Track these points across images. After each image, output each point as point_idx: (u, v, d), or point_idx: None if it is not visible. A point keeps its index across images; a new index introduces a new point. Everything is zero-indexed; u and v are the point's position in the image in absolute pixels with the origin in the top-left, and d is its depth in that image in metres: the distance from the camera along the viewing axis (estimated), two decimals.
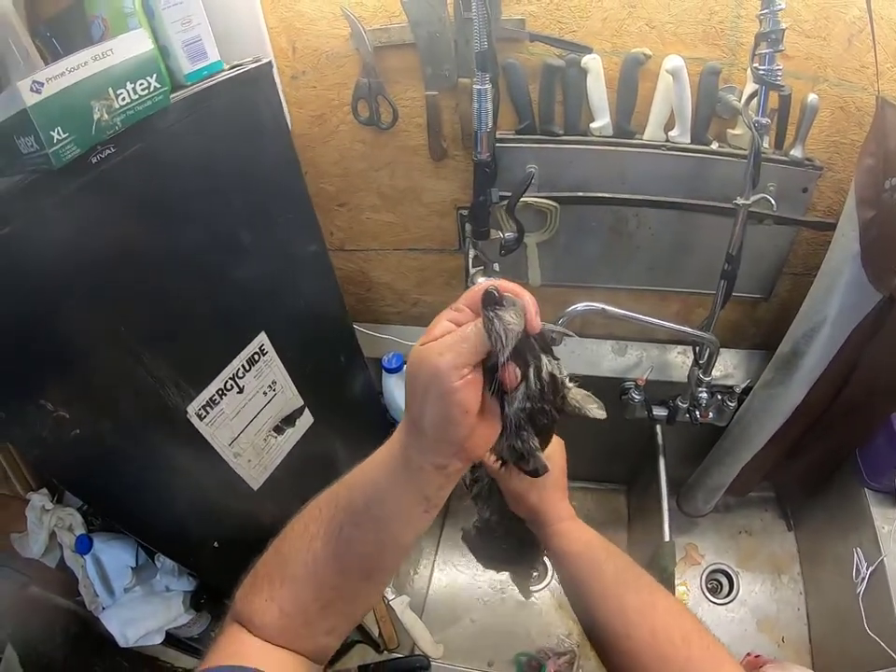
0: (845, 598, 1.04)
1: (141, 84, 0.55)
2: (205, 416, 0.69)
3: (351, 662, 0.94)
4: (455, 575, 1.31)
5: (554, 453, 0.61)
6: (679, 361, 1.12)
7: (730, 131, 0.90)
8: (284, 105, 0.93)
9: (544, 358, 0.40)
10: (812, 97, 0.83)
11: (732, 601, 1.21)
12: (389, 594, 0.99)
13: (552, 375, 0.40)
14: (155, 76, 0.56)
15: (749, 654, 0.99)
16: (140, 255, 0.60)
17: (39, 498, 0.98)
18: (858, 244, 0.83)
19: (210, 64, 0.68)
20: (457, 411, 0.36)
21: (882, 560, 0.98)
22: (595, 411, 0.48)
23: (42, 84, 0.47)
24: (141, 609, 0.89)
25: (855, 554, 1.04)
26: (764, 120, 0.79)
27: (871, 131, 0.81)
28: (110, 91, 0.52)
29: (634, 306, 1.12)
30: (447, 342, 0.37)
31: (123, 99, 0.54)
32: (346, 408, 1.01)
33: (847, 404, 1.01)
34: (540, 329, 0.39)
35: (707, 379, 1.00)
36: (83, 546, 0.92)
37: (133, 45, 0.53)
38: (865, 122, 0.84)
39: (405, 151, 0.99)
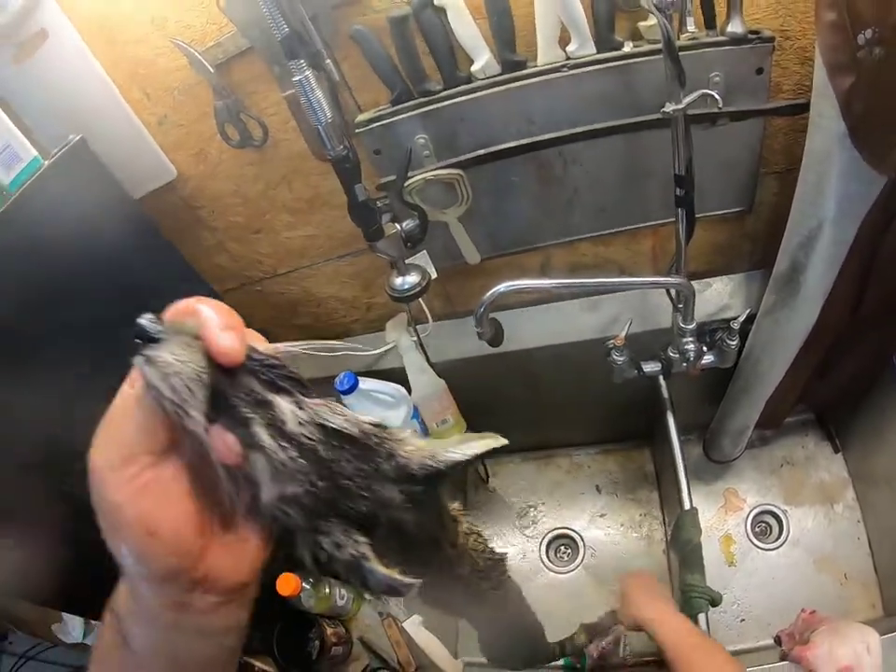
0: None
1: None
2: None
3: None
4: None
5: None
6: (664, 303, 0.94)
7: (642, 24, 0.70)
8: (158, 153, 0.86)
9: (280, 401, 0.24)
10: None
11: (783, 544, 1.05)
12: (401, 616, 0.95)
13: (313, 423, 0.24)
14: None
15: (804, 610, 0.86)
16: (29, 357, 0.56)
17: None
18: (842, 122, 0.63)
19: (28, 164, 0.64)
20: (135, 533, 0.23)
21: None
22: (490, 442, 0.30)
23: None
24: None
25: None
26: None
27: None
28: None
29: (599, 253, 0.96)
30: (98, 431, 0.24)
31: None
32: None
33: (871, 311, 0.82)
34: (248, 354, 0.24)
35: (690, 327, 0.83)
36: None
37: None
38: None
39: (292, 160, 0.86)
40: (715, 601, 0.83)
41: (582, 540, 1.17)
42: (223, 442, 0.23)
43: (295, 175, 0.89)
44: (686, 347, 0.84)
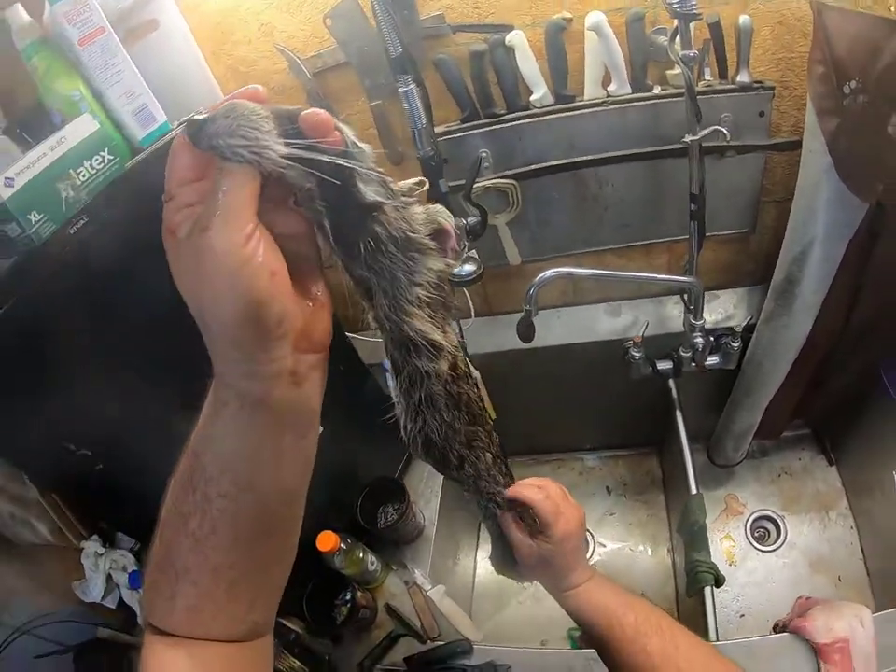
0: (895, 524, 1.05)
1: (96, 159, 0.67)
2: None
3: (397, 655, 1.03)
4: None
5: (563, 535, 0.62)
6: (676, 312, 1.16)
7: (669, 72, 0.95)
8: None
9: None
10: (744, 18, 0.87)
11: (781, 546, 1.23)
12: (427, 584, 1.08)
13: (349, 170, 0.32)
14: (107, 150, 0.68)
15: (800, 598, 1.01)
16: (132, 303, 0.72)
17: (92, 545, 1.12)
18: (828, 156, 0.84)
19: (159, 126, 0.81)
20: (262, 279, 0.29)
21: None
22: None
23: (13, 179, 0.60)
24: None
25: None
26: (692, 53, 0.83)
27: (814, 38, 0.82)
28: (71, 171, 0.65)
29: (623, 264, 1.18)
30: (204, 210, 0.30)
31: (83, 175, 0.66)
32: (354, 414, 1.11)
33: (860, 324, 1.03)
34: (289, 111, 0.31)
35: (699, 323, 1.04)
36: (136, 581, 1.05)
37: (82, 129, 0.65)
38: (810, 32, 0.85)
39: None
40: (719, 579, 0.98)
41: (593, 537, 1.33)
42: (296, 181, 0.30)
43: None
44: (696, 341, 1.05)
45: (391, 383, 0.45)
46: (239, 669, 0.38)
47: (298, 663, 1.04)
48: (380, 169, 0.34)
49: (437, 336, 0.40)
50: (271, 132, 0.29)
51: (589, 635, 0.62)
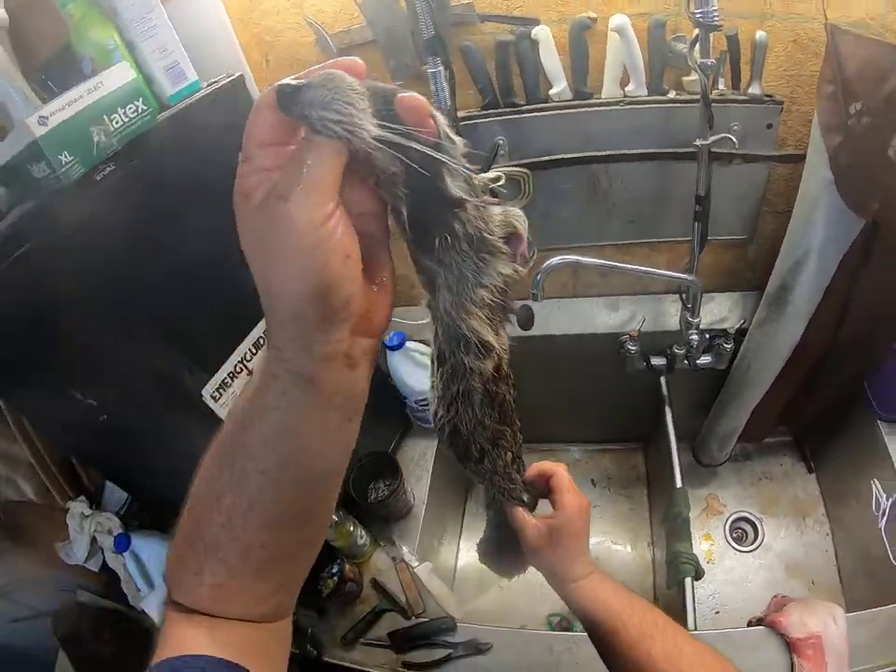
0: (869, 533, 1.11)
1: (130, 108, 0.68)
2: (220, 398, 0.82)
3: (381, 630, 1.05)
4: None
5: (574, 510, 0.63)
6: (672, 310, 1.21)
7: (685, 78, 0.99)
8: None
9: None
10: (760, 34, 0.92)
11: (758, 548, 1.28)
12: (413, 561, 1.11)
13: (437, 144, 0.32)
14: (141, 100, 0.70)
15: (776, 595, 1.06)
16: (148, 257, 0.73)
17: (78, 506, 1.12)
18: (829, 171, 0.89)
19: (189, 84, 0.82)
20: (337, 259, 0.30)
21: None
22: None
23: (47, 118, 0.61)
24: None
25: (874, 487, 1.11)
26: (709, 62, 0.87)
27: (825, 58, 0.87)
28: (105, 117, 0.66)
29: (624, 260, 1.22)
30: (285, 179, 0.30)
31: (116, 122, 0.67)
32: None
33: (849, 337, 1.07)
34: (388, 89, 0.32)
35: (696, 321, 1.09)
36: (121, 544, 1.05)
37: (118, 76, 0.67)
38: (822, 52, 0.89)
39: None
40: (699, 572, 1.03)
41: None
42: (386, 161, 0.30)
43: None
44: (691, 339, 1.10)
45: (431, 368, 0.47)
46: (259, 649, 0.38)
47: None
48: (468, 165, 0.35)
49: (490, 338, 0.41)
50: (365, 110, 0.29)
51: (590, 630, 0.61)
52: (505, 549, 0.73)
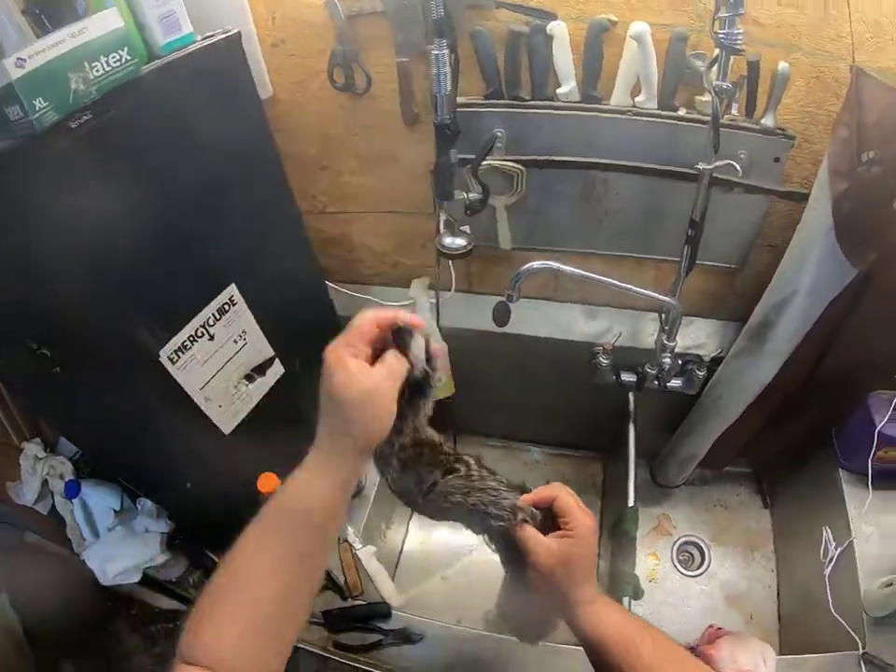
0: (814, 578, 1.14)
1: (113, 57, 0.67)
2: (177, 360, 0.83)
3: (315, 607, 1.08)
4: (430, 532, 1.45)
5: (588, 529, 0.62)
6: (650, 328, 1.22)
7: (698, 97, 0.98)
8: (263, 71, 1.06)
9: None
10: (783, 66, 0.90)
11: (702, 574, 1.32)
12: (357, 543, 1.13)
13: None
14: (126, 49, 0.68)
15: (710, 626, 1.10)
16: (116, 210, 0.73)
17: (33, 447, 1.13)
18: (830, 217, 0.88)
19: (183, 37, 0.80)
20: (389, 416, 0.55)
21: (851, 542, 1.07)
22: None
23: (25, 60, 0.60)
24: (120, 548, 1.04)
25: (824, 534, 1.13)
26: (726, 85, 0.86)
27: (846, 101, 0.85)
28: (85, 64, 0.65)
29: (608, 271, 1.21)
30: (385, 372, 0.55)
31: (97, 71, 0.66)
32: (318, 362, 1.14)
33: (823, 381, 1.09)
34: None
35: (671, 344, 1.10)
36: (71, 491, 1.07)
37: (105, 23, 0.66)
38: (843, 94, 0.89)
39: (380, 116, 1.10)
40: (638, 592, 1.06)
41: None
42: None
43: (377, 130, 1.12)
44: (664, 361, 1.11)
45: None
46: None
47: None
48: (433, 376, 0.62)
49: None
50: (420, 354, 0.59)
51: (598, 655, 0.59)
52: (529, 607, 0.72)
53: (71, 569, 1.12)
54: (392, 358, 0.56)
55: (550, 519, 0.64)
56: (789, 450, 1.26)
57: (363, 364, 0.54)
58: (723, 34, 0.82)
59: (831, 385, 1.09)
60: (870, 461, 1.09)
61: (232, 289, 0.90)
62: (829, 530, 1.12)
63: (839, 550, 1.09)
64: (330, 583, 1.10)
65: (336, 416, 0.54)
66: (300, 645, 1.04)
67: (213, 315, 0.87)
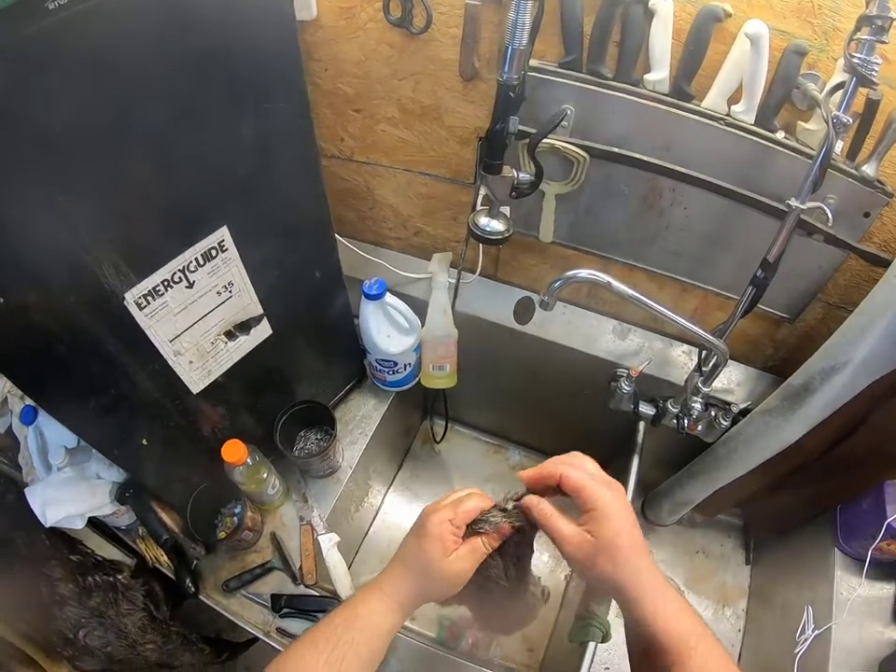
0: (781, 652, 1.06)
1: None
2: (145, 307, 0.70)
3: (265, 587, 0.99)
4: (399, 522, 1.38)
5: (609, 506, 0.52)
6: (681, 361, 1.10)
7: (801, 123, 0.84)
8: None
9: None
10: None
11: None
12: (321, 528, 1.04)
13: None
14: None
15: None
16: (92, 118, 0.58)
17: None
18: None
19: None
20: (461, 586, 0.58)
21: (831, 627, 0.99)
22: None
23: None
24: (66, 491, 0.93)
25: (805, 612, 1.05)
26: (846, 118, 0.72)
27: None
28: None
29: (649, 290, 1.09)
30: (469, 555, 0.58)
31: None
32: (313, 326, 1.01)
33: (844, 457, 1.00)
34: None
35: (706, 390, 0.99)
36: (27, 417, 0.97)
37: None
38: None
39: (434, 63, 0.93)
40: (606, 637, 0.98)
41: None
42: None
43: (427, 78, 0.96)
44: (692, 405, 0.99)
45: None
46: None
47: (164, 557, 0.99)
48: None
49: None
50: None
51: (646, 649, 0.51)
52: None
53: (17, 493, 1.02)
54: (477, 541, 0.58)
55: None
56: (787, 515, 1.17)
57: (458, 548, 0.57)
58: (859, 58, 0.67)
59: (850, 463, 1.00)
60: (871, 550, 1.00)
61: (223, 233, 0.75)
62: (811, 610, 1.04)
63: (816, 633, 1.01)
64: (284, 565, 1.01)
65: (420, 577, 0.59)
66: (240, 623, 0.96)
67: (196, 259, 0.73)
